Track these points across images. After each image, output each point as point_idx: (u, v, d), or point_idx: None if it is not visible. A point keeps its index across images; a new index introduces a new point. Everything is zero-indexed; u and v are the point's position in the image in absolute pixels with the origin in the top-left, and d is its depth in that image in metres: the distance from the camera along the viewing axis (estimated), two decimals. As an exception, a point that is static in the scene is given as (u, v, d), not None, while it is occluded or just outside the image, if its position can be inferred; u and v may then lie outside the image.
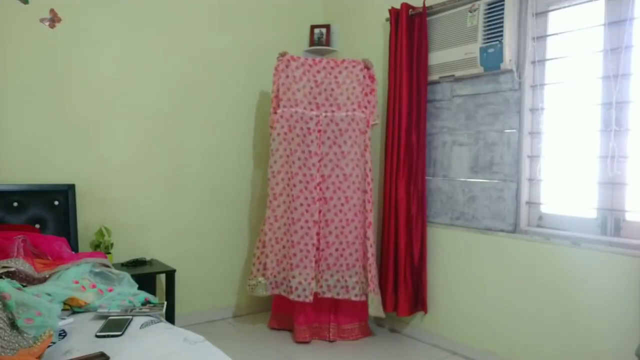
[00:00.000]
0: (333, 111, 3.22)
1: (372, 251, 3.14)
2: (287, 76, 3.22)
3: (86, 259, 2.38)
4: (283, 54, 3.26)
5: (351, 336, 3.26)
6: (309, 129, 3.19)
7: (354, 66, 3.26)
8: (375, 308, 3.13)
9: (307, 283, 3.09)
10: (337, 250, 3.17)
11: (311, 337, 3.20)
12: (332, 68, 3.27)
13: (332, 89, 3.25)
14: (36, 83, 2.92)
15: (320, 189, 3.17)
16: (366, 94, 3.23)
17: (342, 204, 3.18)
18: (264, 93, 3.74)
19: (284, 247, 3.19)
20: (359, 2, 3.76)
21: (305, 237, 3.13)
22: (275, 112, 3.24)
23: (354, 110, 3.21)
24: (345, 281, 3.17)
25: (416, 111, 3.14)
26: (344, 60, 3.29)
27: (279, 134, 3.19)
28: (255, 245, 3.33)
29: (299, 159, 3.17)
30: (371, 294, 3.12)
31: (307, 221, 3.13)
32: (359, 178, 3.18)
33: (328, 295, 3.16)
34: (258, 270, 3.22)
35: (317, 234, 3.16)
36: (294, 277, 3.10)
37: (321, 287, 3.15)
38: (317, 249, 3.16)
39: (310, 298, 3.08)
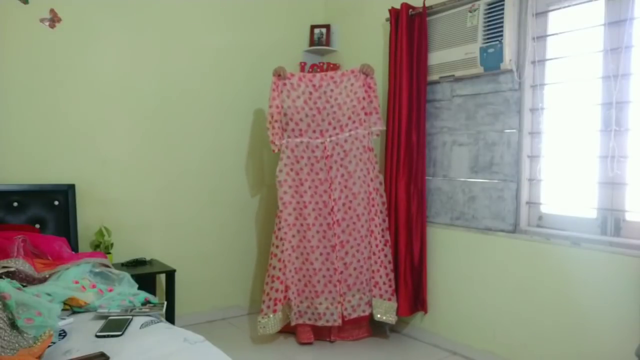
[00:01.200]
0: (337, 134, 3.20)
1: (375, 259, 3.13)
2: (289, 107, 3.16)
3: (86, 259, 2.38)
4: (279, 75, 3.16)
5: (351, 336, 3.25)
6: (315, 157, 3.18)
7: (352, 83, 3.18)
8: (383, 313, 3.12)
9: (334, 307, 3.09)
10: (355, 269, 3.17)
11: (314, 338, 3.19)
12: (332, 90, 3.20)
13: (335, 112, 3.19)
14: (36, 83, 2.92)
15: (334, 212, 3.16)
16: (363, 108, 3.19)
17: (354, 223, 3.18)
18: (264, 93, 3.73)
19: (304, 276, 3.15)
20: (359, 2, 3.76)
21: (326, 263, 3.13)
22: (274, 127, 3.16)
23: (356, 128, 3.19)
24: (367, 296, 3.17)
25: (416, 111, 3.14)
26: (343, 74, 3.21)
27: (285, 165, 3.16)
28: (264, 280, 3.22)
29: (309, 187, 3.17)
30: (374, 300, 3.13)
31: (325, 247, 3.14)
32: (366, 194, 3.18)
33: (354, 315, 3.15)
34: (269, 307, 3.09)
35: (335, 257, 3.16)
36: (320, 303, 3.10)
37: (346, 309, 3.14)
38: (336, 271, 3.15)
39: (340, 321, 3.09)
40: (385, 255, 3.18)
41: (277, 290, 3.10)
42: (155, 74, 3.32)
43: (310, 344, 3.16)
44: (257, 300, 3.81)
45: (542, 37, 2.72)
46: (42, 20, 2.91)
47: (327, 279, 3.12)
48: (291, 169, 3.18)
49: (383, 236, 3.18)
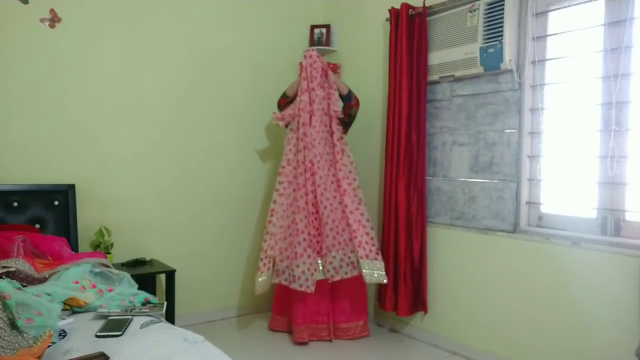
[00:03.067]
0: (317, 94, 3.21)
1: (353, 217, 3.11)
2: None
3: (86, 259, 2.38)
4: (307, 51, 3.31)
5: (347, 335, 3.24)
6: (305, 111, 3.20)
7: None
8: (371, 272, 3.05)
9: (310, 273, 3.06)
10: (331, 230, 3.16)
11: (309, 337, 3.18)
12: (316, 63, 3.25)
13: (316, 77, 3.23)
14: (36, 83, 2.92)
15: (313, 174, 3.17)
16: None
17: (319, 185, 3.17)
18: (264, 92, 3.74)
19: (290, 234, 3.15)
20: (359, 2, 3.76)
21: (309, 227, 3.12)
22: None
23: (331, 88, 3.23)
24: (349, 257, 3.13)
25: (416, 111, 3.14)
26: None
27: (290, 122, 3.23)
28: (262, 238, 3.26)
29: (304, 147, 3.18)
30: (362, 260, 3.07)
31: (304, 209, 3.14)
32: (329, 156, 3.19)
33: (337, 277, 3.10)
34: (265, 265, 3.15)
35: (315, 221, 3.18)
36: (297, 266, 3.08)
37: (328, 271, 3.12)
38: (310, 234, 3.15)
39: (312, 288, 3.05)
40: (362, 214, 3.15)
41: (272, 248, 3.14)
42: (155, 74, 3.32)
43: (304, 343, 3.15)
44: (257, 300, 3.81)
45: (542, 37, 2.72)
46: (42, 20, 2.91)
47: (307, 242, 3.10)
48: (294, 126, 3.22)
49: (356, 195, 3.16)
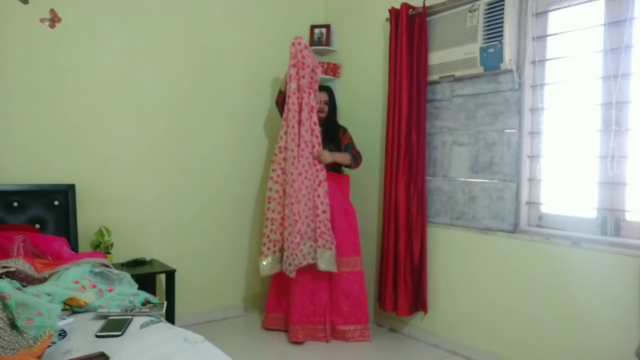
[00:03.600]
0: (304, 83, 3.21)
1: (322, 208, 3.13)
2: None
3: (86, 259, 2.38)
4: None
5: (344, 337, 3.23)
6: (298, 99, 3.19)
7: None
8: (325, 263, 3.11)
9: (292, 258, 3.09)
10: (307, 217, 3.16)
11: (304, 338, 3.18)
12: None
13: (304, 65, 3.22)
14: (36, 83, 2.92)
15: (299, 160, 3.16)
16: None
17: (300, 174, 3.15)
18: (264, 92, 3.74)
19: (284, 220, 3.19)
20: (359, 2, 3.76)
21: (290, 212, 3.14)
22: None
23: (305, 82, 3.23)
24: (317, 246, 3.14)
25: (416, 111, 3.14)
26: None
27: (286, 110, 3.20)
28: (264, 224, 3.29)
29: (295, 134, 3.18)
30: (319, 250, 3.11)
31: (291, 196, 3.14)
32: (311, 142, 3.18)
33: (304, 263, 3.11)
34: (269, 249, 3.21)
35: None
36: (284, 250, 3.16)
37: (297, 257, 3.10)
38: (287, 220, 3.17)
39: (293, 274, 3.10)
40: (326, 206, 3.16)
41: (274, 232, 3.19)
42: (155, 74, 3.32)
43: (300, 343, 3.15)
44: (256, 300, 3.81)
45: (542, 37, 2.72)
46: (42, 20, 2.91)
47: (292, 226, 3.12)
48: (286, 116, 3.21)
49: (323, 187, 3.16)
